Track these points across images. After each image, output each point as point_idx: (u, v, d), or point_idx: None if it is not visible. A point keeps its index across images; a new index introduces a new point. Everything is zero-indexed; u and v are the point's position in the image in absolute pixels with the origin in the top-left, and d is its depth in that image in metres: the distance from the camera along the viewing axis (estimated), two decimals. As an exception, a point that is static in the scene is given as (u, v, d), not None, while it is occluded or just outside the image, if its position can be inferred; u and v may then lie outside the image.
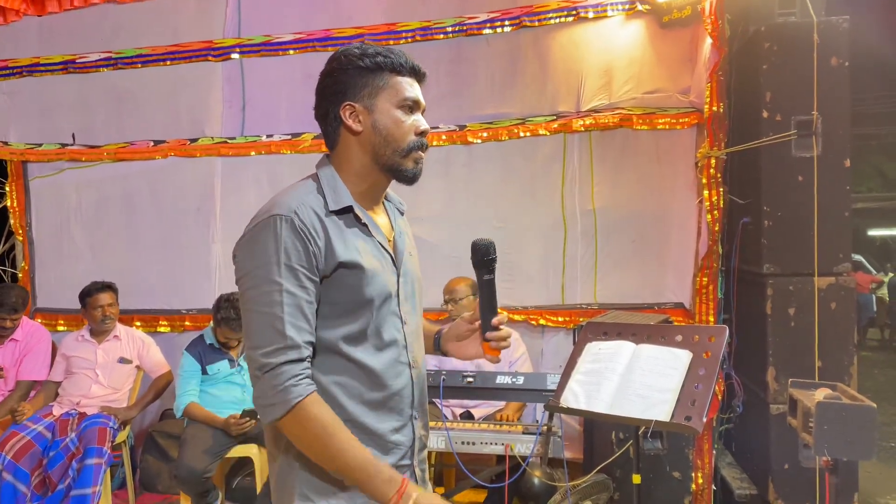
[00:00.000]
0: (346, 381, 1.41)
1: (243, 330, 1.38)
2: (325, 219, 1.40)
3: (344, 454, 1.32)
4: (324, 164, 1.51)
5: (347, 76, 1.44)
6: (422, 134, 1.47)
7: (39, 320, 4.50)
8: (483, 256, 1.53)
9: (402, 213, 1.65)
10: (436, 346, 1.70)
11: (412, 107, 1.47)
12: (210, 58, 4.45)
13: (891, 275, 14.79)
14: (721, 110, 3.63)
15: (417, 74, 1.49)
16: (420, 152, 1.47)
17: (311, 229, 1.36)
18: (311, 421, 1.31)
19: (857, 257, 14.44)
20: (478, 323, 1.59)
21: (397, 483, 1.33)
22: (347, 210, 1.44)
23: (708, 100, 3.63)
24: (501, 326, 1.56)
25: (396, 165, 1.46)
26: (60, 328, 4.62)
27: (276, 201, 1.40)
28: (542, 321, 4.07)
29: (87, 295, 3.97)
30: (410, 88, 1.46)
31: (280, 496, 1.44)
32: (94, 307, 3.94)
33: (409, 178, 1.48)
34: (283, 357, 1.30)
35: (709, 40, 3.59)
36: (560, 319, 4.05)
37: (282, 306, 1.31)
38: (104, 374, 3.94)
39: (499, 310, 1.57)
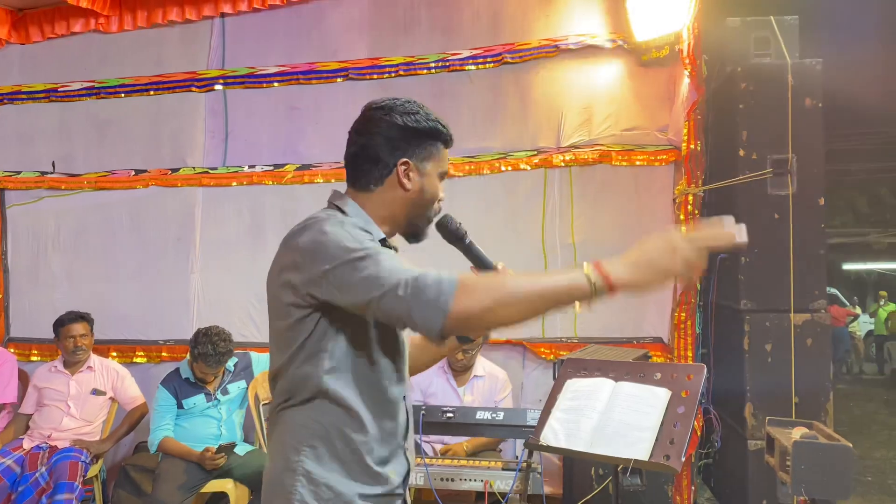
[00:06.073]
0: (365, 402, 1.44)
1: (359, 291, 1.30)
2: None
3: (533, 286, 1.26)
4: (344, 200, 1.53)
5: (410, 133, 1.49)
6: (440, 201, 1.57)
7: (12, 350, 4.42)
8: (453, 231, 1.57)
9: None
10: (461, 338, 1.67)
11: (444, 178, 1.57)
12: (194, 88, 4.46)
13: (873, 306, 15.01)
14: (698, 148, 3.70)
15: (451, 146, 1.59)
16: None
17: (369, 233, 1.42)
18: (481, 282, 1.29)
19: (833, 291, 14.66)
20: None
21: (583, 268, 1.26)
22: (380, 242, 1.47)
23: (685, 138, 3.70)
24: (504, 269, 1.58)
25: (420, 229, 1.56)
26: (34, 358, 4.53)
27: (313, 224, 1.40)
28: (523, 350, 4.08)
29: (59, 325, 3.91)
30: (447, 161, 1.57)
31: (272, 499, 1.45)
32: (66, 337, 3.88)
33: (418, 239, 1.58)
34: (416, 270, 1.28)
35: (686, 80, 3.67)
36: (541, 352, 4.05)
37: (383, 254, 1.33)
38: (76, 406, 3.86)
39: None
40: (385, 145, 1.49)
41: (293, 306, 1.40)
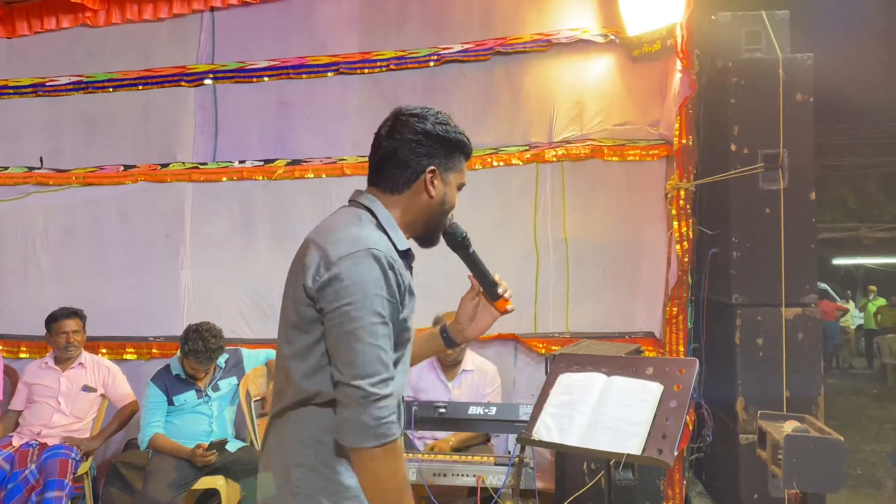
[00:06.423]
0: None
1: (343, 354, 1.37)
2: (399, 259, 1.48)
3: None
4: (373, 201, 1.54)
5: (441, 143, 1.55)
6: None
7: (0, 347, 4.38)
8: (460, 239, 1.65)
9: None
10: (448, 342, 1.78)
11: (460, 189, 1.65)
12: (183, 83, 4.43)
13: (862, 301, 15.10)
14: (690, 143, 3.69)
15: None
16: None
17: (398, 267, 1.44)
18: (400, 461, 1.39)
19: (823, 286, 14.74)
20: (480, 293, 1.72)
21: None
22: (404, 252, 1.52)
23: (677, 132, 3.68)
24: (500, 280, 1.70)
25: (434, 235, 1.63)
26: (23, 355, 4.49)
27: (355, 235, 1.42)
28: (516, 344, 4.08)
29: (52, 320, 3.88)
30: (465, 173, 1.65)
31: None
32: (58, 333, 3.85)
33: (431, 245, 1.65)
34: (388, 389, 1.36)
35: (678, 74, 3.67)
36: (533, 346, 4.05)
37: (386, 339, 1.38)
38: (67, 403, 3.83)
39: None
40: (416, 151, 1.53)
41: (304, 305, 1.42)
